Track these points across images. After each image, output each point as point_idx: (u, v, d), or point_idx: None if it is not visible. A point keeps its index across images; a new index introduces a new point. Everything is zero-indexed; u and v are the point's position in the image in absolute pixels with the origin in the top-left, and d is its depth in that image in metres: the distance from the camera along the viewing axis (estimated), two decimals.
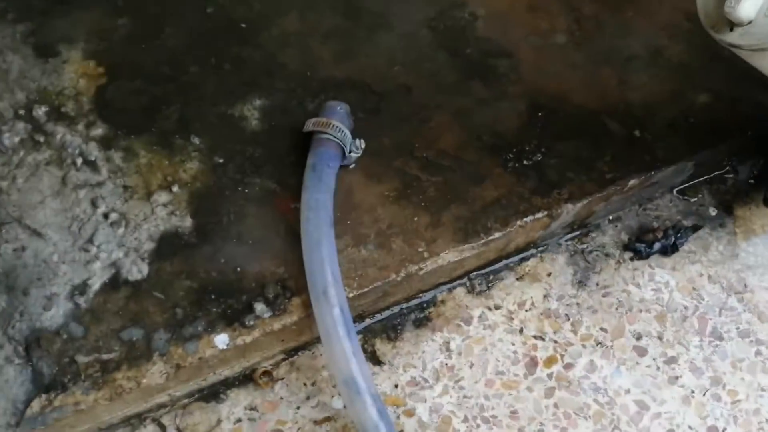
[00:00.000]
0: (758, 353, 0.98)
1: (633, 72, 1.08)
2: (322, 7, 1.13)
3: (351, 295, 0.92)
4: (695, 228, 1.05)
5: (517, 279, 1.03)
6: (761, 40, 0.70)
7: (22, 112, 1.04)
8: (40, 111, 1.05)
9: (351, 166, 1.01)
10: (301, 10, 1.12)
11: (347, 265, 0.94)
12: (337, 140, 0.97)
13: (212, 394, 0.93)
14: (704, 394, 0.96)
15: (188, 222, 0.97)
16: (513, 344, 0.99)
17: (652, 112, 1.05)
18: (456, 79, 1.07)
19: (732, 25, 0.72)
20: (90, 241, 0.95)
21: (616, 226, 1.07)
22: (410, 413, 0.93)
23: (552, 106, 1.05)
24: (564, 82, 1.07)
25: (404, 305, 1.01)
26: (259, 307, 0.91)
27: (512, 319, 1.01)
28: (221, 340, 0.89)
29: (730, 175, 1.09)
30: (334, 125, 0.97)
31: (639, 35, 1.12)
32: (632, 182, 1.01)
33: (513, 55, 1.09)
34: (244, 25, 1.12)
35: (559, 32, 1.11)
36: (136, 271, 0.94)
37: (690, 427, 0.93)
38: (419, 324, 1.00)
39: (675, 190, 1.08)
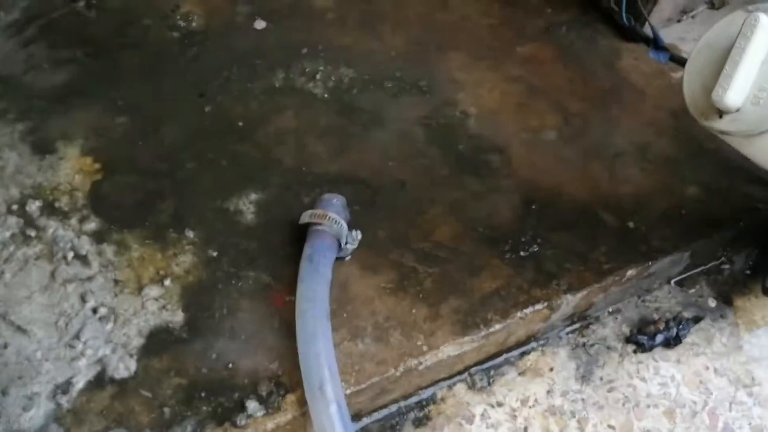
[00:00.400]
0: None
1: (622, 166, 1.10)
2: (317, 106, 1.16)
3: (348, 391, 0.88)
4: (696, 319, 1.04)
5: (519, 374, 1.00)
6: (750, 126, 0.72)
7: (15, 207, 1.03)
8: (34, 206, 1.04)
9: (347, 258, 1.00)
10: (297, 109, 1.15)
11: (344, 360, 0.90)
12: (333, 232, 0.96)
13: None
14: None
15: (179, 316, 0.94)
16: None
17: (644, 204, 1.07)
18: (449, 174, 1.09)
19: (721, 112, 0.74)
20: (77, 337, 0.91)
21: (617, 318, 1.05)
22: None
23: (545, 199, 1.06)
24: (556, 176, 1.09)
25: (402, 403, 0.96)
26: (252, 405, 0.87)
27: (516, 417, 0.96)
28: None
29: (726, 266, 1.09)
30: (330, 217, 0.96)
31: (625, 131, 1.15)
32: (630, 272, 1.00)
33: (505, 151, 1.11)
34: (241, 124, 1.14)
35: (548, 129, 1.14)
36: (123, 368, 0.90)
37: None
38: (419, 423, 0.95)
39: (673, 281, 1.07)
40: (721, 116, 0.73)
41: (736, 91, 0.71)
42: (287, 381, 0.87)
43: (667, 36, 1.26)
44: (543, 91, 1.18)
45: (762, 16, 0.70)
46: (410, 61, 1.22)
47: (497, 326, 0.95)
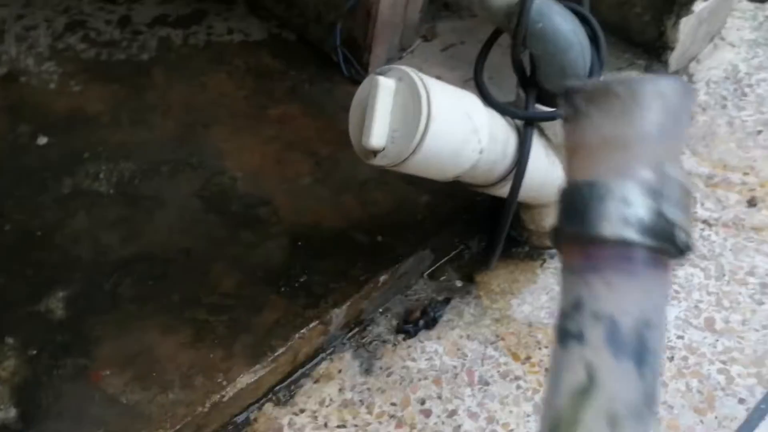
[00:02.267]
0: (518, 387, 1.19)
1: (368, 191, 1.33)
2: (105, 203, 1.32)
3: None
4: (447, 300, 1.28)
5: (314, 382, 1.20)
6: (394, 159, 0.96)
7: None
8: None
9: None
10: (87, 209, 1.31)
11: (158, 411, 1.08)
12: None
13: None
14: None
15: (12, 412, 1.08)
16: None
17: (389, 219, 1.30)
18: (227, 233, 1.28)
19: (375, 152, 0.98)
20: None
21: (387, 316, 1.28)
22: None
23: (309, 235, 1.28)
24: (315, 214, 1.31)
25: None
26: None
27: (316, 417, 1.17)
28: None
29: (466, 251, 1.34)
30: None
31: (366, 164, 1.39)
32: (383, 278, 1.23)
33: (270, 202, 1.32)
34: (39, 233, 1.29)
35: (304, 175, 1.36)
36: None
37: None
38: None
39: (425, 275, 1.31)
40: (375, 155, 0.97)
41: (376, 136, 0.94)
42: None
43: None
44: (296, 144, 1.40)
45: (380, 79, 0.94)
46: (181, 142, 1.41)
47: (281, 350, 1.15)
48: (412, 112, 0.93)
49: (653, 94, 0.29)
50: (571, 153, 0.34)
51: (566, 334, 0.29)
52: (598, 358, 0.26)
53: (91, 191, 1.35)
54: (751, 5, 1.70)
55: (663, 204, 0.29)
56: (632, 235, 0.27)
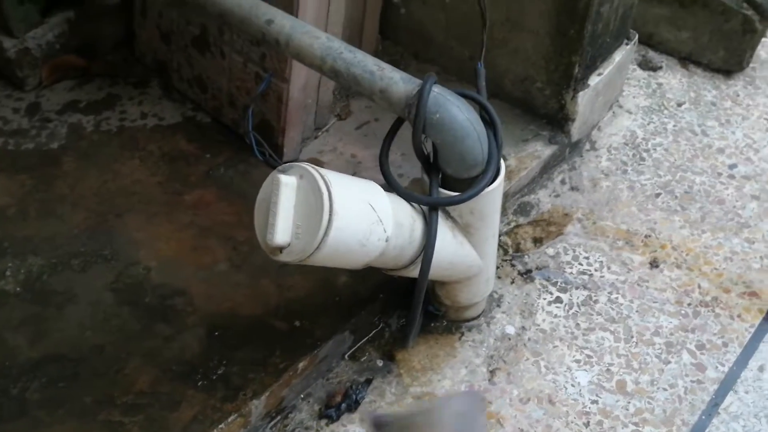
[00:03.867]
0: None
1: (286, 275, 1.34)
2: (11, 302, 1.28)
3: None
4: (368, 381, 1.28)
5: None
6: (300, 254, 0.97)
7: None
8: None
9: None
10: None
11: None
12: None
13: None
14: None
15: None
16: None
17: (307, 303, 1.31)
18: (141, 327, 1.26)
19: (281, 248, 0.99)
20: None
21: (309, 401, 1.27)
22: None
23: (225, 324, 1.27)
24: (232, 301, 1.30)
25: None
26: None
27: None
28: None
29: (386, 329, 1.35)
30: None
31: None
32: (302, 364, 1.23)
33: (186, 292, 1.31)
34: None
35: (221, 262, 1.35)
36: None
37: None
38: None
39: (346, 356, 1.31)
40: (281, 251, 0.98)
41: (280, 233, 0.95)
42: None
43: (309, 153, 1.54)
44: (212, 230, 1.40)
45: (281, 177, 0.96)
46: (92, 233, 1.38)
47: None
48: (314, 208, 0.95)
49: (450, 416, 0.32)
50: None
51: None
52: None
53: None
54: (645, 73, 1.80)
55: None
56: None
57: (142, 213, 1.43)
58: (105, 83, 1.69)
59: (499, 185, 1.15)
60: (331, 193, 0.95)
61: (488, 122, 1.13)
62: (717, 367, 1.31)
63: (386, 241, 1.03)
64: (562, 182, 1.58)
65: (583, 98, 1.52)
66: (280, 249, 0.98)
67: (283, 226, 0.96)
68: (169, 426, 1.14)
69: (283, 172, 0.98)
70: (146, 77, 1.69)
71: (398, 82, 1.10)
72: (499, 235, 1.47)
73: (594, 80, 1.52)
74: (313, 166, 0.98)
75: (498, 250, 1.45)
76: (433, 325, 1.36)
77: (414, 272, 1.14)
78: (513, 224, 1.51)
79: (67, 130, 1.57)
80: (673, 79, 1.80)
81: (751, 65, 1.82)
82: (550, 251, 1.47)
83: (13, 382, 1.18)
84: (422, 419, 0.32)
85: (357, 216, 0.99)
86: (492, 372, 1.30)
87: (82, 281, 1.32)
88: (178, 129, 1.60)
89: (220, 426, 1.15)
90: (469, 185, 1.12)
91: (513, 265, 1.45)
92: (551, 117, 1.56)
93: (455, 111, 1.06)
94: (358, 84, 1.13)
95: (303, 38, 1.16)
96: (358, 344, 1.33)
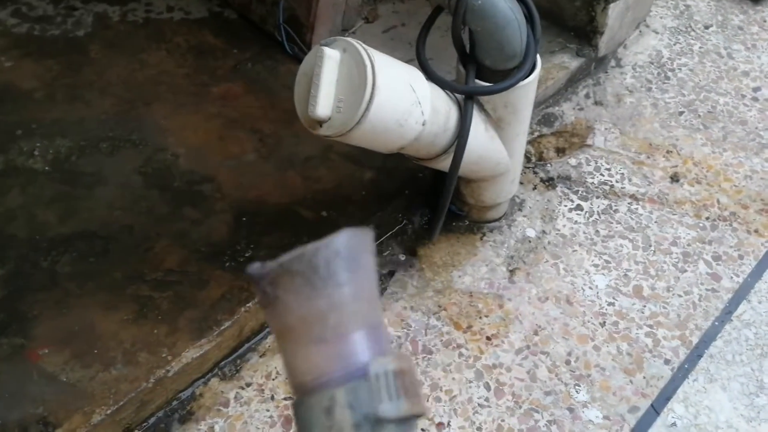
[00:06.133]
0: (460, 355, 1.23)
1: (312, 169, 1.35)
2: (40, 180, 1.29)
3: (109, 411, 1.05)
4: (391, 273, 1.31)
5: (260, 356, 1.21)
6: (340, 128, 0.97)
7: None
8: None
9: None
10: (22, 186, 1.28)
11: (100, 388, 1.07)
12: None
13: None
14: (427, 400, 1.18)
15: None
16: (268, 410, 1.15)
17: (333, 195, 1.32)
18: (169, 210, 1.27)
19: (321, 122, 0.99)
20: None
21: None
22: None
23: (253, 211, 1.28)
24: (260, 190, 1.31)
25: (167, 408, 1.14)
26: None
27: (263, 390, 1.18)
28: None
29: (409, 226, 1.37)
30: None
31: (311, 140, 1.39)
32: None
33: (214, 179, 1.32)
34: None
35: (248, 152, 1.36)
36: None
37: (422, 429, 1.14)
38: (183, 420, 1.14)
39: None
40: (321, 125, 0.98)
41: (322, 106, 0.96)
42: (54, 419, 1.02)
43: None
44: (239, 122, 1.40)
45: (325, 49, 0.95)
46: (120, 119, 1.38)
47: (227, 323, 1.16)
48: (357, 82, 0.95)
49: (330, 258, 0.32)
50: (280, 341, 0.35)
51: None
52: None
53: (26, 168, 1.31)
54: None
55: (377, 408, 0.34)
56: None
57: (169, 102, 1.43)
58: None
59: (534, 79, 1.15)
60: (374, 68, 0.95)
61: (527, 17, 1.13)
62: (732, 277, 1.34)
63: (423, 124, 1.03)
64: (587, 96, 1.58)
65: (614, 11, 1.50)
66: (320, 122, 0.98)
67: (325, 99, 0.96)
68: (198, 303, 1.17)
69: (327, 45, 0.98)
70: None
71: None
72: None
73: None
74: (357, 41, 0.98)
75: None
76: (455, 224, 1.37)
77: (445, 162, 1.15)
78: (536, 134, 1.51)
79: (93, 18, 1.56)
80: (702, 1, 1.79)
81: None
82: (573, 161, 1.48)
83: (43, 255, 1.20)
84: (301, 266, 0.32)
85: (398, 94, 0.99)
86: (512, 271, 1.33)
87: (110, 164, 1.33)
88: (204, 23, 1.58)
89: (248, 305, 1.17)
90: (504, 78, 1.12)
91: (536, 173, 1.46)
92: (580, 29, 1.55)
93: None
94: None
95: None
96: (382, 238, 1.35)
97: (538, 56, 1.17)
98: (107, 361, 1.09)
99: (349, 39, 0.98)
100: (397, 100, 0.99)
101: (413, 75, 1.03)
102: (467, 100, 1.12)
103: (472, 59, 1.14)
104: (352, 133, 0.98)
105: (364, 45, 0.97)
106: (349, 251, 0.33)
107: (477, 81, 1.14)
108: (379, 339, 0.37)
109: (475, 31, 1.10)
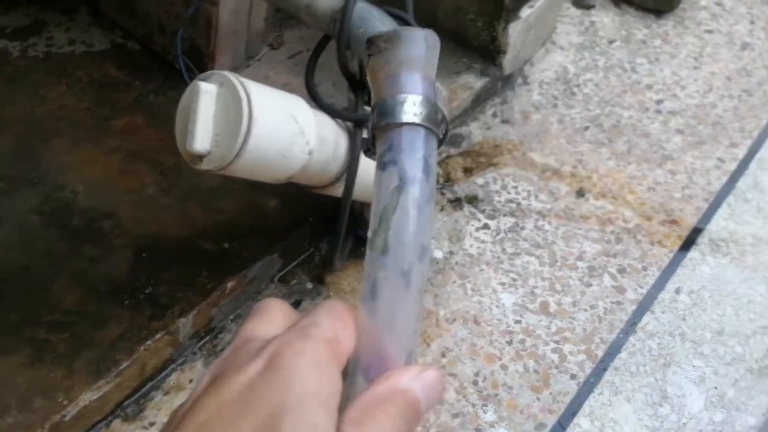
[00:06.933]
0: None
1: (215, 199, 1.33)
2: None
3: None
4: (297, 303, 1.30)
5: (165, 394, 1.19)
6: (219, 163, 0.97)
7: None
8: None
9: None
10: None
11: None
12: None
13: None
14: None
15: None
16: None
17: (236, 226, 1.31)
18: (68, 248, 1.25)
19: (202, 157, 0.99)
20: None
21: (238, 322, 1.28)
22: None
23: (153, 246, 1.26)
24: (160, 224, 1.29)
25: None
26: None
27: None
28: None
29: (316, 254, 1.37)
30: None
31: None
32: (230, 284, 1.24)
33: (114, 215, 1.30)
34: None
35: (149, 186, 1.34)
36: None
37: None
38: None
39: (276, 279, 1.33)
40: (202, 160, 0.98)
41: (200, 140, 0.95)
42: None
43: None
44: (140, 155, 1.38)
45: (201, 84, 0.95)
46: (18, 158, 1.35)
47: (126, 363, 1.13)
48: (233, 115, 0.95)
49: (417, 35, 0.46)
50: (374, 78, 0.47)
51: (384, 163, 0.44)
52: (406, 169, 0.43)
53: None
54: (578, 11, 1.83)
55: (437, 103, 0.46)
56: (419, 120, 0.44)
57: (69, 138, 1.40)
58: (32, 9, 1.64)
59: None
60: (251, 100, 0.95)
61: None
62: (636, 289, 1.37)
63: (309, 153, 1.04)
64: (494, 115, 1.60)
65: (515, 30, 1.53)
66: (200, 157, 0.97)
67: (202, 133, 0.96)
68: (96, 343, 1.14)
69: (204, 79, 0.98)
70: (74, 3, 1.64)
71: None
72: None
73: (525, 12, 1.54)
74: (234, 74, 0.98)
75: None
76: (362, 249, 1.37)
77: (339, 190, 1.15)
78: (444, 154, 1.53)
79: None
80: (606, 17, 1.84)
81: (681, 6, 1.86)
82: (480, 181, 1.50)
83: None
84: (405, 33, 0.49)
85: (278, 125, 0.99)
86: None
87: (6, 204, 1.30)
88: (107, 56, 1.56)
89: (147, 343, 1.15)
90: None
91: (443, 194, 1.47)
92: (484, 49, 1.57)
93: (379, 26, 1.07)
94: (284, 0, 1.13)
95: None
96: (288, 267, 1.34)
97: None
98: (1, 409, 1.06)
99: (225, 73, 0.98)
100: (278, 131, 0.99)
101: (295, 105, 1.03)
102: (357, 127, 1.12)
103: (362, 86, 1.15)
104: (232, 166, 0.97)
105: (241, 78, 0.97)
106: (430, 37, 0.47)
107: (366, 107, 1.14)
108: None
109: (360, 59, 1.11)
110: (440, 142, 0.48)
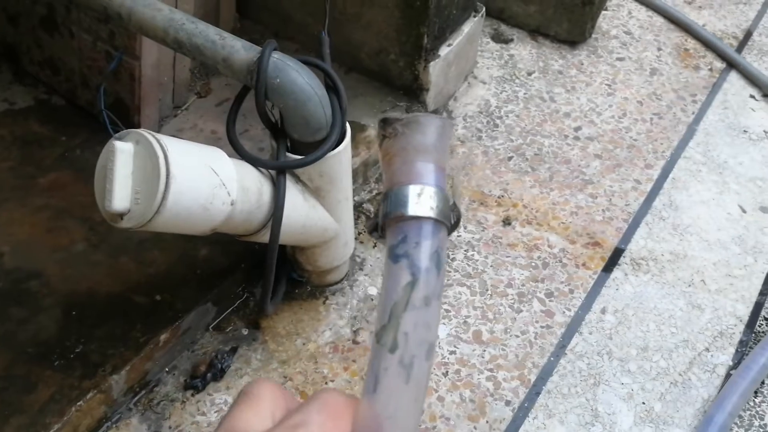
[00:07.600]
0: None
1: (146, 252, 1.33)
2: None
3: None
4: (234, 350, 1.30)
5: None
6: (141, 220, 0.98)
7: None
8: None
9: None
10: None
11: None
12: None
13: None
14: None
15: None
16: None
17: (167, 276, 1.31)
18: None
19: (122, 215, 0.99)
20: None
21: (174, 374, 1.27)
22: None
23: (83, 303, 1.25)
24: (90, 280, 1.29)
25: None
26: None
27: None
28: None
29: (251, 299, 1.38)
30: None
31: None
32: (164, 337, 1.24)
33: (42, 274, 1.28)
34: None
35: (78, 242, 1.34)
36: None
37: None
38: None
39: (211, 327, 1.33)
40: (122, 218, 0.98)
41: (118, 199, 0.96)
42: None
43: (168, 131, 1.53)
44: (68, 211, 1.37)
45: (116, 143, 0.96)
46: None
47: (57, 426, 1.12)
48: (151, 172, 0.96)
49: (435, 122, 0.47)
50: (388, 161, 0.48)
51: (396, 255, 0.45)
52: (420, 266, 0.43)
53: None
54: (497, 46, 1.90)
55: (447, 197, 0.47)
56: (434, 214, 0.45)
57: None
58: None
59: (344, 148, 1.19)
60: (167, 157, 0.96)
61: (332, 87, 1.17)
62: (564, 312, 1.42)
63: (231, 204, 1.05)
64: None
65: (435, 68, 1.59)
66: (121, 215, 0.98)
67: (120, 192, 0.97)
68: (25, 408, 1.12)
69: (120, 138, 0.99)
70: None
71: (240, 50, 1.12)
72: (362, 203, 1.53)
73: (444, 51, 1.60)
74: (150, 132, 0.99)
75: (360, 216, 1.50)
76: (297, 291, 1.39)
77: (266, 237, 1.17)
78: (375, 192, 1.56)
79: None
80: (524, 50, 1.91)
81: (593, 36, 1.96)
82: None
83: None
84: (423, 119, 0.48)
85: (197, 180, 1.00)
86: (355, 332, 1.35)
87: None
88: (30, 113, 1.55)
89: (79, 403, 1.14)
90: (315, 149, 1.16)
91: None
92: (407, 88, 1.62)
93: (295, 75, 1.10)
94: (201, 54, 1.15)
95: (144, 11, 1.17)
96: (223, 315, 1.35)
97: (347, 125, 1.21)
98: None
99: (141, 131, 0.99)
100: (198, 185, 1.00)
101: (214, 157, 1.05)
102: (279, 174, 1.14)
103: (283, 134, 1.17)
104: (153, 223, 0.98)
105: (157, 135, 0.99)
106: (443, 125, 0.47)
107: (288, 154, 1.17)
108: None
109: (279, 108, 1.14)
110: (450, 231, 0.49)
